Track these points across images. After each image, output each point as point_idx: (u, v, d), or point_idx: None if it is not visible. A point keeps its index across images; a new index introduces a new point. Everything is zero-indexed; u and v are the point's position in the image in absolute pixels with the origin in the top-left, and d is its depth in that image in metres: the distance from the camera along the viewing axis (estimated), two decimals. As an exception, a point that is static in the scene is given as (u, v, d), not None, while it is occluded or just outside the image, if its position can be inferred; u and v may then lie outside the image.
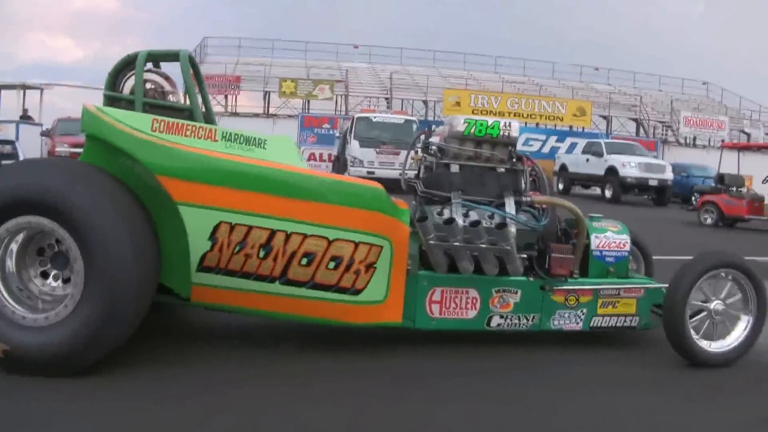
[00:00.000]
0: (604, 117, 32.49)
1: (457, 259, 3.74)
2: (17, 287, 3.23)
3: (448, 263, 3.78)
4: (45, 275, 3.33)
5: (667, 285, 3.95)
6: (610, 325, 4.09)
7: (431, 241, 3.67)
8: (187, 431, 2.75)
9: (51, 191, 3.05)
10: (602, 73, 38.90)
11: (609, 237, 4.16)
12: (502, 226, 3.70)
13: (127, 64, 3.85)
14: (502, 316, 3.91)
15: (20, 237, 3.22)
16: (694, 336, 3.80)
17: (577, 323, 4.03)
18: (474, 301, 3.87)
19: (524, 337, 4.18)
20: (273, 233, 3.43)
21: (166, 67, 4.02)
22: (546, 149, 27.33)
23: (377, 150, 18.67)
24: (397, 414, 3.05)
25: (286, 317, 3.73)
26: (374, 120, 19.85)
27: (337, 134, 24.55)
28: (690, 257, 4.00)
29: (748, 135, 32.36)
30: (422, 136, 4.24)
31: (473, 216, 3.76)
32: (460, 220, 3.69)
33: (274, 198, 3.46)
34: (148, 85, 3.77)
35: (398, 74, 33.01)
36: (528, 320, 3.95)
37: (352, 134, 19.26)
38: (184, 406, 2.95)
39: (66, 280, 3.27)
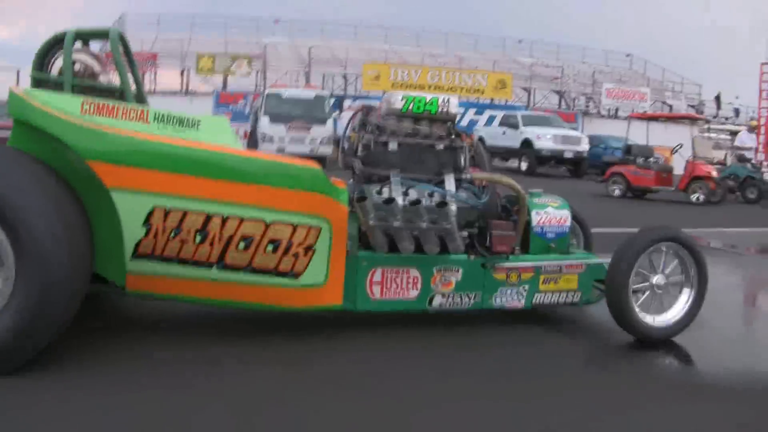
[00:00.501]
0: (526, 89, 32.84)
1: (398, 239, 3.62)
2: None
3: (388, 243, 3.65)
4: None
5: (607, 260, 3.93)
6: (552, 301, 4.05)
7: (371, 222, 3.54)
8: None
9: None
10: (525, 45, 39.19)
11: (550, 213, 4.10)
12: (443, 204, 3.59)
13: (55, 44, 3.60)
14: (443, 295, 3.81)
15: None
16: (638, 310, 3.79)
17: (520, 300, 3.96)
18: (415, 280, 3.75)
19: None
20: (209, 217, 3.24)
21: (96, 46, 3.79)
22: (464, 122, 27.20)
23: (287, 126, 18.35)
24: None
25: (224, 304, 3.56)
26: (284, 96, 19.51)
27: (247, 111, 24.12)
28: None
29: (670, 106, 33.08)
30: (359, 114, 4.08)
31: (413, 195, 3.64)
32: (399, 200, 3.57)
33: (209, 181, 3.26)
34: (78, 66, 3.55)
35: (318, 49, 32.54)
36: (470, 299, 3.86)
37: (263, 110, 18.97)
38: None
39: None
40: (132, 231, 3.16)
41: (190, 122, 3.45)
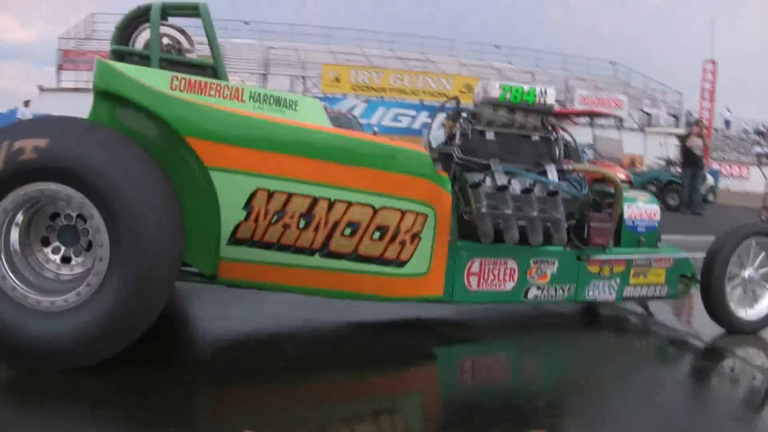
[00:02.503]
0: (456, 98, 32.82)
1: (506, 228, 3.56)
2: (25, 266, 2.76)
3: (494, 233, 3.60)
4: (52, 252, 2.87)
5: (692, 255, 3.95)
6: (641, 295, 4.04)
7: (483, 209, 3.48)
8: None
9: (81, 157, 2.60)
10: (503, 51, 39.27)
11: (640, 207, 4.10)
12: (554, 193, 3.55)
13: (138, 17, 3.43)
14: (539, 287, 3.77)
15: (25, 209, 2.75)
16: (732, 304, 3.81)
17: (611, 293, 3.95)
18: (512, 272, 3.70)
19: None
20: (315, 201, 3.08)
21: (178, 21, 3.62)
22: (416, 125, 26.92)
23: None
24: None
25: (323, 293, 3.40)
26: None
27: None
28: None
29: (649, 115, 33.50)
30: (453, 102, 4.02)
31: (520, 183, 3.60)
32: (512, 187, 3.53)
33: (316, 162, 3.11)
34: (165, 41, 3.37)
35: (284, 51, 32.23)
36: (564, 291, 3.83)
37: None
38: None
39: (67, 259, 2.84)
40: (231, 214, 2.97)
41: (287, 102, 3.28)
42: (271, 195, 3.00)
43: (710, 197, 17.30)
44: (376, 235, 3.24)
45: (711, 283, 3.80)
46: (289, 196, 3.04)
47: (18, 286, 2.65)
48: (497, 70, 34.43)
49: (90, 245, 2.77)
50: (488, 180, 3.59)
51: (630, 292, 4.00)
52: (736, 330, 3.87)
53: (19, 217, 2.72)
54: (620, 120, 27.62)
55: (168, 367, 2.89)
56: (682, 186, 15.13)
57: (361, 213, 3.19)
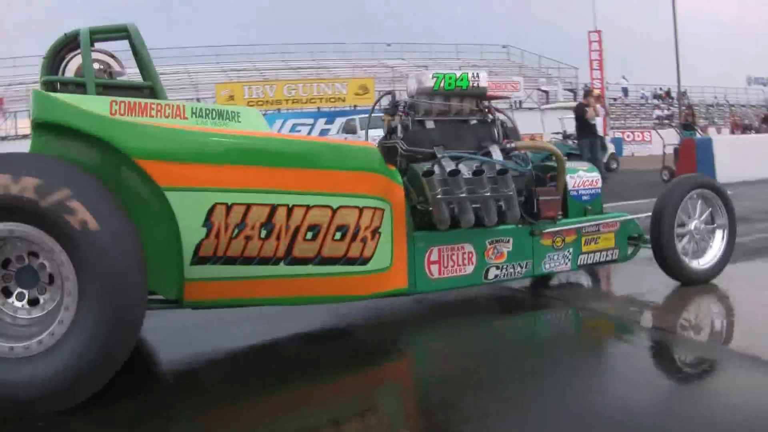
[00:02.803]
0: (390, 92, 33.06)
1: (461, 211, 3.58)
2: None
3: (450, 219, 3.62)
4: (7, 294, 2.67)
5: (636, 216, 4.07)
6: (594, 261, 4.13)
7: (438, 196, 3.50)
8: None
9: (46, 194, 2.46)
10: (395, 48, 39.45)
11: (582, 176, 4.19)
12: (504, 172, 3.60)
13: (65, 45, 3.34)
14: (497, 267, 3.81)
15: None
16: (684, 257, 3.93)
17: (566, 264, 4.03)
18: (470, 255, 3.73)
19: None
20: (274, 208, 3.02)
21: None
22: (315, 133, 26.34)
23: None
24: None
25: (292, 302, 3.38)
26: None
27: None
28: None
29: (546, 92, 33.91)
30: (386, 97, 4.04)
31: (468, 167, 3.64)
32: (463, 171, 3.56)
33: (270, 170, 3.06)
34: (96, 66, 3.28)
35: (175, 75, 31.61)
36: (522, 267, 3.88)
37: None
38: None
39: (34, 302, 2.65)
40: (191, 233, 2.86)
41: (229, 114, 3.27)
42: (229, 208, 2.92)
43: (613, 165, 17.65)
44: (338, 235, 3.21)
45: (661, 239, 3.91)
46: (248, 207, 2.97)
47: None
48: (391, 68, 34.56)
49: (51, 278, 2.62)
50: (437, 167, 3.61)
51: (584, 260, 4.09)
52: (692, 281, 4.01)
53: None
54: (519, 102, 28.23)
55: (141, 397, 2.79)
56: (582, 157, 14.37)
57: (321, 215, 3.15)
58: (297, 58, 36.96)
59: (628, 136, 29.26)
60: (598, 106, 14.08)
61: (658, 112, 33.39)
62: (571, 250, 4.03)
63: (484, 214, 3.64)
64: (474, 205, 3.61)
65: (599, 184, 4.25)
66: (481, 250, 3.75)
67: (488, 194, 3.58)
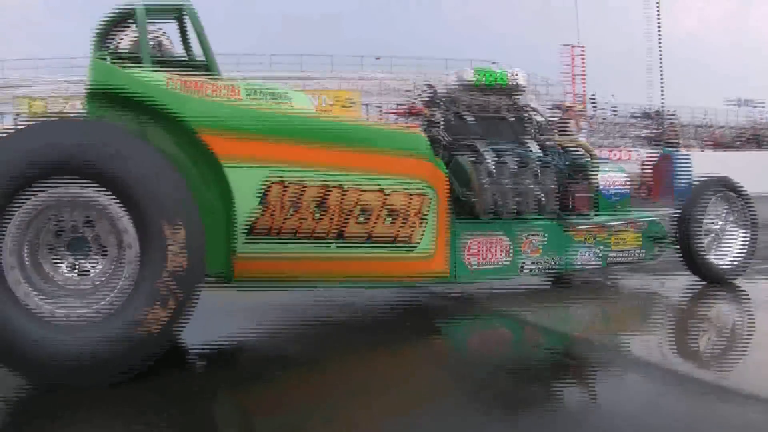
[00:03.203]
0: (377, 105, 33.11)
1: (505, 202, 3.68)
2: (41, 278, 2.53)
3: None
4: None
5: (661, 215, 4.20)
6: (622, 259, 4.25)
7: (486, 185, 3.58)
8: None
9: (110, 156, 2.45)
10: (385, 62, 39.42)
11: (612, 176, 4.32)
12: (547, 165, 3.71)
13: (119, 21, 3.36)
14: (533, 261, 3.90)
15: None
16: (708, 255, 4.06)
17: (597, 261, 4.14)
18: (507, 248, 3.82)
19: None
20: (329, 189, 3.06)
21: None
22: None
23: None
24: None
25: (340, 282, 3.41)
26: None
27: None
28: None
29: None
30: (428, 91, 4.13)
31: (510, 160, 3.74)
32: (509, 163, 3.66)
33: (327, 149, 3.11)
34: (151, 42, 3.30)
35: None
36: (555, 262, 3.98)
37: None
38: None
39: (89, 270, 2.58)
40: (247, 208, 2.87)
41: (282, 96, 3.24)
42: (285, 186, 2.95)
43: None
44: (389, 219, 3.27)
45: (690, 240, 4.03)
46: (303, 185, 3.00)
47: (41, 301, 2.42)
48: (377, 81, 34.65)
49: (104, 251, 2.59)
50: (482, 159, 3.71)
51: (613, 258, 4.20)
52: (718, 279, 4.12)
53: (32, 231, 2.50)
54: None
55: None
56: None
57: (373, 197, 3.20)
58: (283, 69, 36.85)
59: (614, 154, 29.69)
60: (581, 120, 14.09)
61: (645, 132, 33.83)
62: (601, 247, 4.13)
63: (525, 206, 3.74)
64: (517, 198, 3.71)
65: (628, 185, 4.37)
66: (519, 244, 3.84)
67: (531, 186, 3.69)
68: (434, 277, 3.59)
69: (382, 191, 3.22)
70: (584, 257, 4.08)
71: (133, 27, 3.28)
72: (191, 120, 2.78)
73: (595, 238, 4.10)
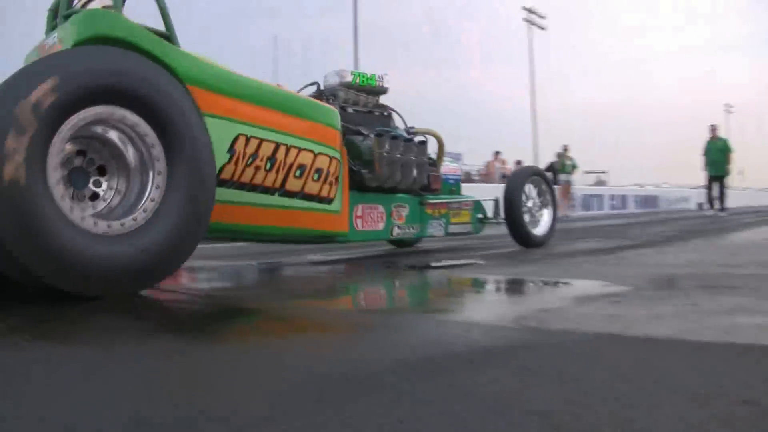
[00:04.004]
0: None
1: (394, 169, 4.55)
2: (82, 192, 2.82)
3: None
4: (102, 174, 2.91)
5: (482, 199, 5.37)
6: (457, 231, 5.29)
7: (385, 154, 4.44)
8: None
9: (144, 80, 2.82)
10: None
11: (449, 165, 5.37)
12: (424, 143, 4.66)
13: None
14: (399, 227, 4.79)
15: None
16: (528, 228, 5.26)
17: (441, 231, 5.13)
18: (381, 215, 4.68)
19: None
20: (277, 146, 3.66)
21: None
22: None
23: None
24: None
25: (279, 231, 3.91)
26: None
27: None
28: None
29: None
30: (312, 86, 4.90)
31: (395, 141, 4.64)
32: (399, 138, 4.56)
33: (278, 114, 3.72)
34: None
35: None
36: (414, 229, 4.91)
37: None
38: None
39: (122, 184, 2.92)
40: (219, 157, 3.22)
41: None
42: (248, 140, 3.49)
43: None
44: (316, 176, 3.94)
45: (514, 215, 5.19)
46: (261, 141, 3.57)
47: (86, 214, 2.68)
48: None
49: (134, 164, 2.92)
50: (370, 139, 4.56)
51: (452, 230, 5.22)
52: (534, 245, 5.30)
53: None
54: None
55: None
56: None
57: (307, 157, 3.87)
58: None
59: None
60: None
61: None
62: (444, 220, 5.15)
63: (406, 179, 4.66)
64: (401, 171, 4.63)
65: (459, 172, 5.48)
66: (389, 212, 4.71)
67: (414, 158, 4.62)
68: (341, 232, 4.26)
69: (312, 152, 3.90)
70: (433, 227, 5.06)
71: None
72: (183, 73, 3.20)
73: (440, 212, 5.12)
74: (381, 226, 4.65)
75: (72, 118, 2.63)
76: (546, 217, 5.56)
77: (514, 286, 3.28)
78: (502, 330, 1.98)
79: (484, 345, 1.75)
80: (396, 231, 4.76)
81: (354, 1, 23.59)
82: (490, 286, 3.33)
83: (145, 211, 2.81)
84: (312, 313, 2.59)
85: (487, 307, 2.73)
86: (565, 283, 3.23)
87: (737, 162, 14.75)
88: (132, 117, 2.81)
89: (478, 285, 3.38)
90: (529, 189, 5.46)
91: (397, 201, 4.77)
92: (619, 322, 2.01)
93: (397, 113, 5.16)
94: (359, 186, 4.49)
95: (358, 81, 4.80)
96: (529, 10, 33.28)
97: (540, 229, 5.45)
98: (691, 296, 2.53)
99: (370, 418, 1.11)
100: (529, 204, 5.42)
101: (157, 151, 2.88)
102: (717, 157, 14.15)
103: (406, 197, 4.86)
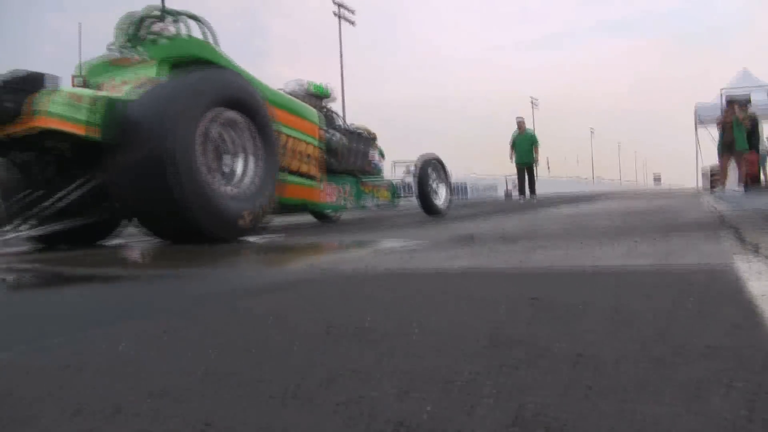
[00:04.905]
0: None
1: (350, 157, 6.18)
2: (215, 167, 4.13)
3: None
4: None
5: (396, 180, 7.19)
6: (381, 204, 6.98)
7: (344, 144, 6.06)
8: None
9: (251, 93, 4.37)
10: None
11: (374, 152, 7.09)
12: (367, 137, 6.36)
13: (150, 18, 4.82)
14: (345, 200, 6.33)
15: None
16: (434, 200, 7.07)
17: (372, 204, 6.78)
18: (338, 191, 6.23)
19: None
20: (288, 138, 5.15)
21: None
22: None
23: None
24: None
25: (292, 203, 5.37)
26: None
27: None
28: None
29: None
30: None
31: (347, 135, 6.28)
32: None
33: (291, 115, 5.24)
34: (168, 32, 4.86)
35: None
36: (357, 203, 6.50)
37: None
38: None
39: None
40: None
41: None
42: (280, 134, 4.93)
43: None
44: (311, 162, 5.51)
45: (423, 191, 6.94)
46: (287, 137, 5.11)
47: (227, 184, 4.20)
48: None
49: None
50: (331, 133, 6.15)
51: (377, 202, 6.88)
52: (438, 213, 6.97)
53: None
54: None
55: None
56: None
57: (307, 147, 5.44)
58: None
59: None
60: None
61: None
62: (372, 195, 6.80)
63: (354, 164, 6.31)
64: (352, 158, 6.28)
65: (382, 161, 7.20)
66: (342, 189, 6.31)
67: (362, 147, 6.30)
68: (320, 203, 5.84)
69: (309, 143, 5.44)
70: (367, 201, 6.71)
71: (168, 20, 4.81)
72: (262, 89, 4.76)
73: (370, 190, 6.81)
74: (335, 199, 6.23)
75: (214, 117, 4.06)
76: (442, 192, 7.34)
77: (324, 247, 3.73)
78: (296, 273, 2.24)
79: (274, 282, 1.98)
80: (345, 203, 6.38)
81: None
82: (306, 248, 3.71)
83: (251, 181, 4.32)
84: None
85: (296, 261, 3.03)
86: (373, 241, 3.68)
87: (543, 153, 15.21)
88: (242, 117, 4.30)
89: (298, 248, 3.79)
90: (431, 171, 7.25)
91: (345, 181, 6.38)
92: (413, 263, 2.21)
93: (336, 114, 6.75)
94: (327, 169, 6.07)
95: (311, 89, 6.32)
96: (339, 5, 34.62)
97: (441, 201, 7.24)
98: (488, 245, 2.78)
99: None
100: (432, 183, 7.22)
101: (257, 141, 4.40)
102: (524, 147, 14.71)
103: (351, 178, 6.45)
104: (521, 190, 15.33)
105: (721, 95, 20.18)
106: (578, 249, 2.34)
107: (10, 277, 2.75)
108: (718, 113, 16.23)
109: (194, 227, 3.81)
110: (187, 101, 3.88)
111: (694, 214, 4.45)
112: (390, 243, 3.36)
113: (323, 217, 7.17)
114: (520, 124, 15.21)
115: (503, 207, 9.80)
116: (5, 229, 3.94)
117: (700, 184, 22.03)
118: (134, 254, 3.88)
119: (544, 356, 0.91)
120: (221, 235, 3.95)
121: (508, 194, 23.53)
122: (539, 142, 15.40)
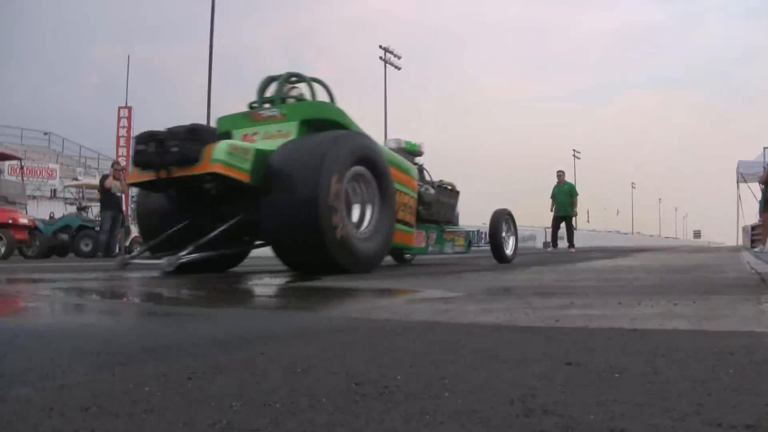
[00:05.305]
0: None
1: (439, 208, 7.07)
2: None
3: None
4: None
5: (471, 228, 7.48)
6: (458, 251, 7.73)
7: (430, 200, 6.88)
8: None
9: (375, 151, 5.23)
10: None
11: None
12: (455, 191, 6.94)
13: (283, 80, 5.71)
14: (432, 246, 7.09)
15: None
16: (505, 250, 7.30)
17: (451, 250, 7.48)
18: (424, 237, 6.93)
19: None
20: (398, 192, 5.82)
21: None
22: None
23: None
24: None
25: (395, 245, 5.97)
26: None
27: None
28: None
29: (77, 179, 28.31)
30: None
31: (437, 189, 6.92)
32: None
33: (399, 172, 5.99)
34: (296, 92, 5.75)
35: None
36: (439, 249, 7.26)
37: None
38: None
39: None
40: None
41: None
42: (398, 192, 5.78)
43: (136, 247, 14.92)
44: (409, 210, 6.25)
45: (497, 242, 7.44)
46: (397, 191, 5.81)
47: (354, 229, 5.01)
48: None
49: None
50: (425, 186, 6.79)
51: (456, 250, 7.60)
52: (507, 261, 7.56)
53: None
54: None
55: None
56: (102, 229, 14.03)
57: (408, 199, 6.22)
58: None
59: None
60: (119, 179, 13.63)
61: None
62: (452, 243, 7.44)
63: (441, 215, 7.02)
64: (439, 209, 6.81)
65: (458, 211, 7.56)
66: (428, 236, 6.89)
67: (448, 200, 6.72)
68: (419, 248, 6.63)
69: (410, 196, 6.25)
70: (446, 248, 7.21)
71: (301, 84, 5.75)
72: (384, 151, 5.64)
73: (450, 238, 7.12)
74: (423, 244, 6.80)
75: (348, 172, 4.85)
76: (511, 242, 7.96)
77: (364, 294, 3.55)
78: (329, 320, 2.23)
79: (305, 328, 1.97)
80: (429, 249, 6.77)
81: (210, 29, 24.34)
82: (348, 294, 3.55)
83: (369, 226, 5.15)
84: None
85: (331, 307, 2.92)
86: (410, 290, 3.67)
87: (582, 204, 15.26)
88: (367, 172, 5.12)
89: (346, 293, 3.59)
90: (503, 224, 7.77)
91: (431, 228, 6.94)
92: (446, 315, 2.19)
93: (426, 170, 7.04)
94: (417, 217, 6.63)
95: (406, 147, 6.85)
96: (386, 50, 36.03)
97: (509, 251, 7.84)
98: (525, 299, 2.76)
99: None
100: (504, 233, 7.70)
101: (376, 194, 5.24)
102: (563, 199, 15.04)
103: (436, 226, 7.13)
104: (554, 242, 15.69)
105: (764, 152, 19.68)
106: (615, 308, 2.34)
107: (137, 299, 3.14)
108: (759, 170, 16.23)
109: (331, 261, 4.61)
110: (335, 158, 4.63)
111: (733, 274, 4.47)
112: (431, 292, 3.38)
113: (401, 258, 7.79)
114: (560, 176, 15.56)
115: (541, 258, 10.05)
116: (175, 253, 4.60)
117: (740, 241, 21.54)
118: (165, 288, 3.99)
119: (575, 429, 0.88)
120: (351, 269, 4.71)
121: (546, 245, 23.78)
122: (578, 193, 15.64)
